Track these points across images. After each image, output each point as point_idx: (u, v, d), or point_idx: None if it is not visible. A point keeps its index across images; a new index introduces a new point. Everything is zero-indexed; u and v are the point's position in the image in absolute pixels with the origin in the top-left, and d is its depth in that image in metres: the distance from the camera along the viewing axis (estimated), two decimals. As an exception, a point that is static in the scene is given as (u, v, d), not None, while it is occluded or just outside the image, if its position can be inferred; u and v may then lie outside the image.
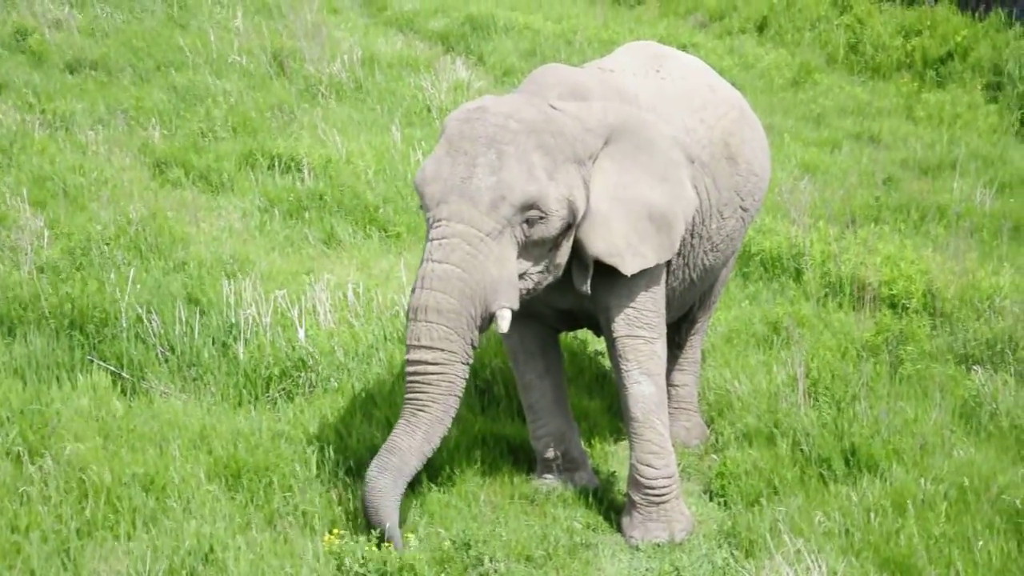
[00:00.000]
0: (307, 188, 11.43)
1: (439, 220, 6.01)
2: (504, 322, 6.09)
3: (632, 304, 6.60)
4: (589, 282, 6.44)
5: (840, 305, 9.49)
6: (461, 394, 6.12)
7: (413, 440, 6.01)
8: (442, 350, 5.97)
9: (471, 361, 6.12)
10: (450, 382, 6.02)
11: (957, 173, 12.21)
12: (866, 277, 9.49)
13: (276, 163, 11.99)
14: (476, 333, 6.08)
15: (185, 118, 13.19)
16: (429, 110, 13.90)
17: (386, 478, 6.01)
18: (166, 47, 15.31)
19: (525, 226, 6.07)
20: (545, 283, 6.35)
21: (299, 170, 11.83)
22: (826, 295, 9.65)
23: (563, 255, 6.32)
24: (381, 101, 14.20)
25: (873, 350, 8.50)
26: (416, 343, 5.97)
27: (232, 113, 13.25)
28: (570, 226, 6.22)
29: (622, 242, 6.36)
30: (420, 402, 6.01)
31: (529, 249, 6.14)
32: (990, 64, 15.57)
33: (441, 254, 5.97)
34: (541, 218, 6.07)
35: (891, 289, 9.36)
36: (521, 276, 6.17)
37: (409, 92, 14.36)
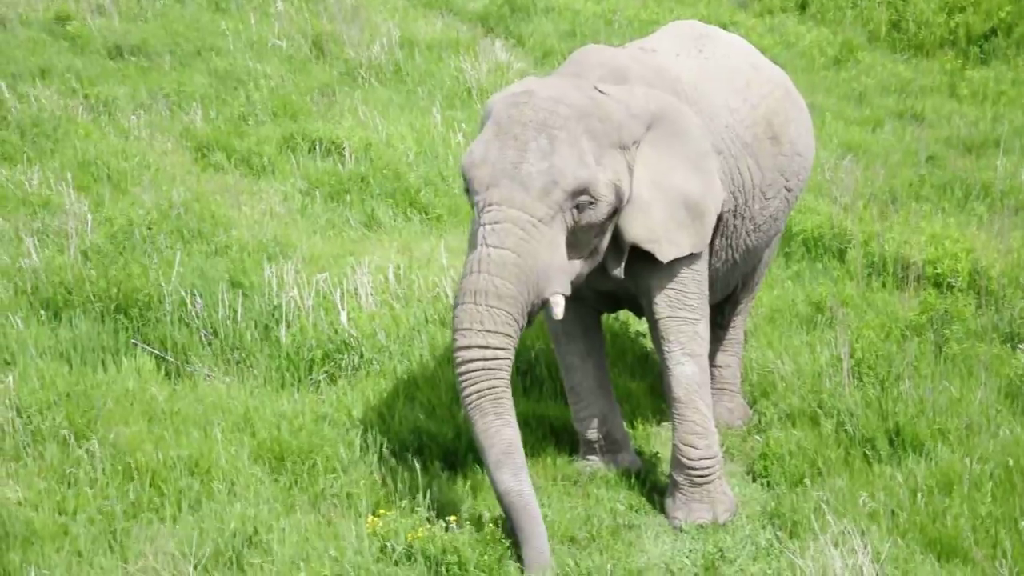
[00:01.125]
0: (348, 171, 11.44)
1: (491, 204, 5.96)
2: (558, 308, 6.05)
3: (674, 285, 6.57)
4: (623, 266, 6.42)
5: (884, 284, 9.42)
6: None
7: (512, 429, 5.97)
8: (505, 335, 5.92)
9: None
10: (510, 367, 5.99)
11: (1001, 151, 12.07)
12: (910, 256, 9.42)
13: (317, 146, 12.01)
14: (526, 320, 6.05)
15: (226, 102, 13.23)
16: (470, 92, 13.86)
17: (525, 482, 5.97)
18: (206, 31, 15.35)
19: (575, 211, 6.03)
20: (590, 268, 6.32)
21: (340, 153, 11.84)
22: (870, 275, 9.58)
23: (607, 240, 6.30)
24: (421, 83, 14.18)
25: (917, 330, 8.44)
26: (480, 327, 5.88)
27: (273, 97, 13.28)
28: (616, 211, 6.20)
29: (661, 229, 6.33)
30: (499, 390, 5.93)
31: (577, 235, 6.11)
32: (1035, 40, 15.39)
33: (496, 239, 5.91)
34: (591, 203, 6.04)
35: (936, 268, 9.27)
36: (569, 261, 6.14)
37: (449, 74, 14.33)
